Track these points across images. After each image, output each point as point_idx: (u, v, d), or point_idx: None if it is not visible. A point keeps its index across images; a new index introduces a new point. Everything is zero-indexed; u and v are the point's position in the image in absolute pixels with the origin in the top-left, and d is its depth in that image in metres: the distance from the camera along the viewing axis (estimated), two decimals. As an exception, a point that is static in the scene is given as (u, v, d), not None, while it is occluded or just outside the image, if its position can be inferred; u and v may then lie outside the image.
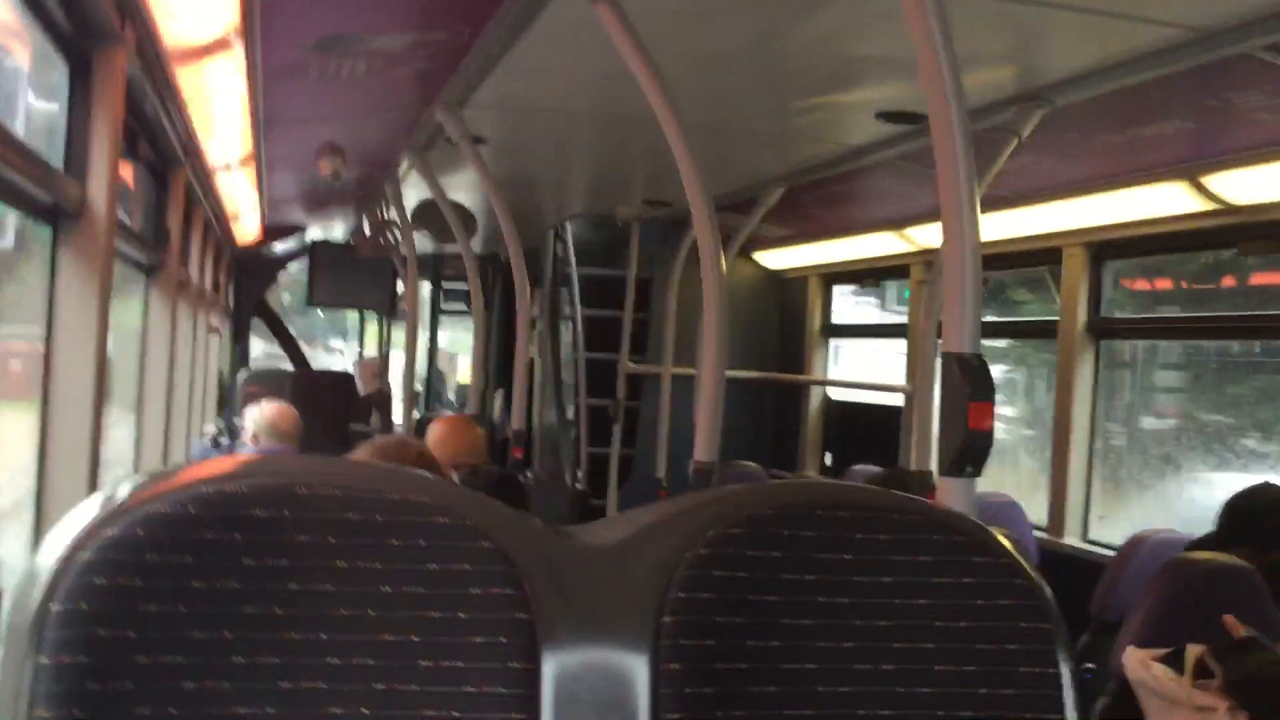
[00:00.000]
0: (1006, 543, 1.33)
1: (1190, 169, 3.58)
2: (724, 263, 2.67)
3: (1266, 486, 3.02)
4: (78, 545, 1.10)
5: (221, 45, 2.54)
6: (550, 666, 1.18)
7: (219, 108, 3.24)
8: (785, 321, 7.02)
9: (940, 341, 3.83)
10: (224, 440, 7.09)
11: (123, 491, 1.17)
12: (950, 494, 1.65)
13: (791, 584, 1.25)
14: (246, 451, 4.18)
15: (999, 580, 1.29)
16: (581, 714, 1.18)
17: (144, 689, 1.10)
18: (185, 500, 1.13)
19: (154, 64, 2.64)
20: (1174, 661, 2.32)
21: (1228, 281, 4.37)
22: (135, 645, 1.10)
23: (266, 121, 3.69)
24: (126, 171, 3.10)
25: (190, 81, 2.86)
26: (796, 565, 1.26)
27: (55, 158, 2.20)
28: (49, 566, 1.10)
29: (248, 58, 2.73)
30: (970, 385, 1.61)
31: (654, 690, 1.20)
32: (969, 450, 1.62)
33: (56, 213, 2.16)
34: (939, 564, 1.28)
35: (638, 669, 1.20)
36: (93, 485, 2.24)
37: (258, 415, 4.23)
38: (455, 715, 1.15)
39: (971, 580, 1.28)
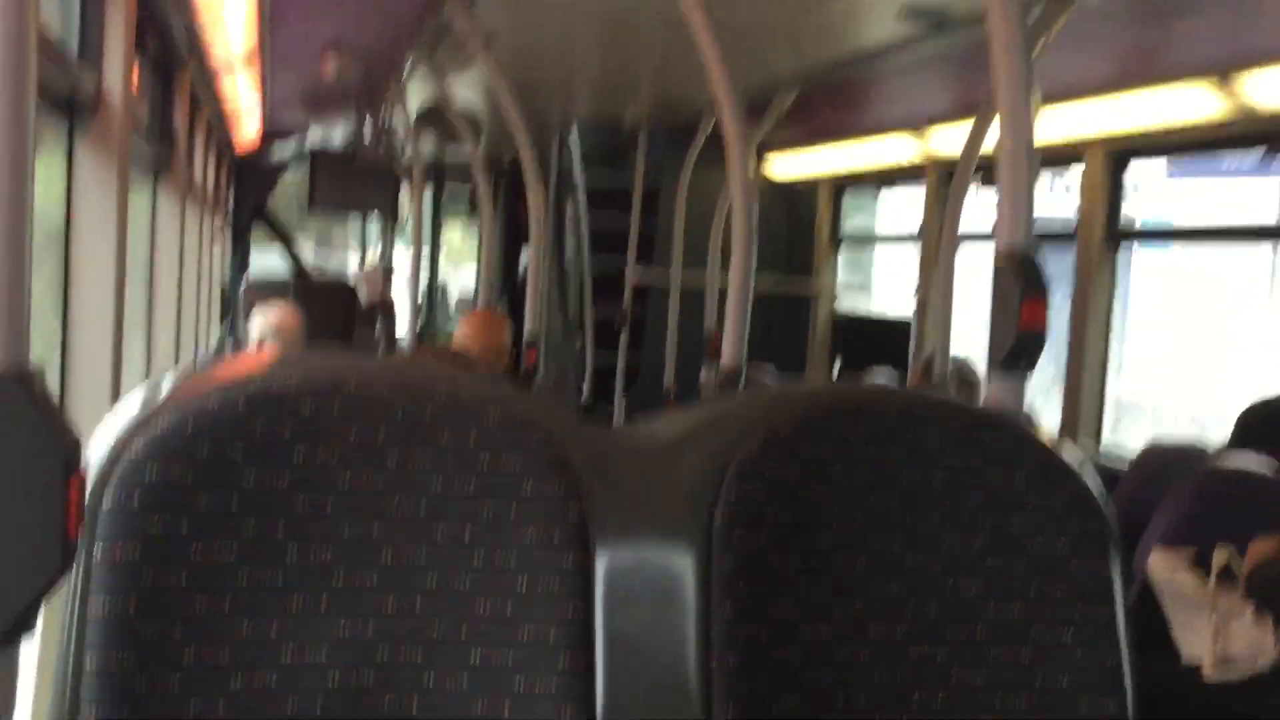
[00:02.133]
0: (1056, 443, 1.32)
1: (1218, 68, 3.50)
2: (751, 167, 2.63)
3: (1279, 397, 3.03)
4: (127, 438, 1.08)
5: (231, -68, 2.46)
6: (603, 561, 1.17)
7: (225, 1, 3.15)
8: (792, 229, 6.95)
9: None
10: (228, 349, 7.07)
11: (168, 385, 1.15)
12: (1000, 393, 1.64)
13: (842, 483, 1.24)
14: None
15: (1050, 480, 1.28)
16: (634, 607, 1.18)
17: (197, 582, 1.08)
18: (234, 395, 1.11)
19: (163, -48, 2.55)
20: (1198, 564, 2.34)
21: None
22: (187, 539, 1.09)
23: (272, 16, 3.59)
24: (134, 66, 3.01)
25: (198, -29, 2.77)
26: (847, 464, 1.24)
27: (68, 48, 2.14)
28: (98, 461, 1.08)
29: (257, -54, 2.64)
30: (1024, 282, 1.59)
31: (704, 585, 1.19)
32: (1021, 347, 1.60)
33: (73, 106, 2.11)
34: (989, 463, 1.27)
35: (689, 564, 1.20)
36: (116, 383, 2.22)
37: (263, 320, 4.18)
38: (508, 610, 1.14)
39: (1022, 479, 1.27)
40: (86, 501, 1.05)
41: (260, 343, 4.17)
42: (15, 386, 0.88)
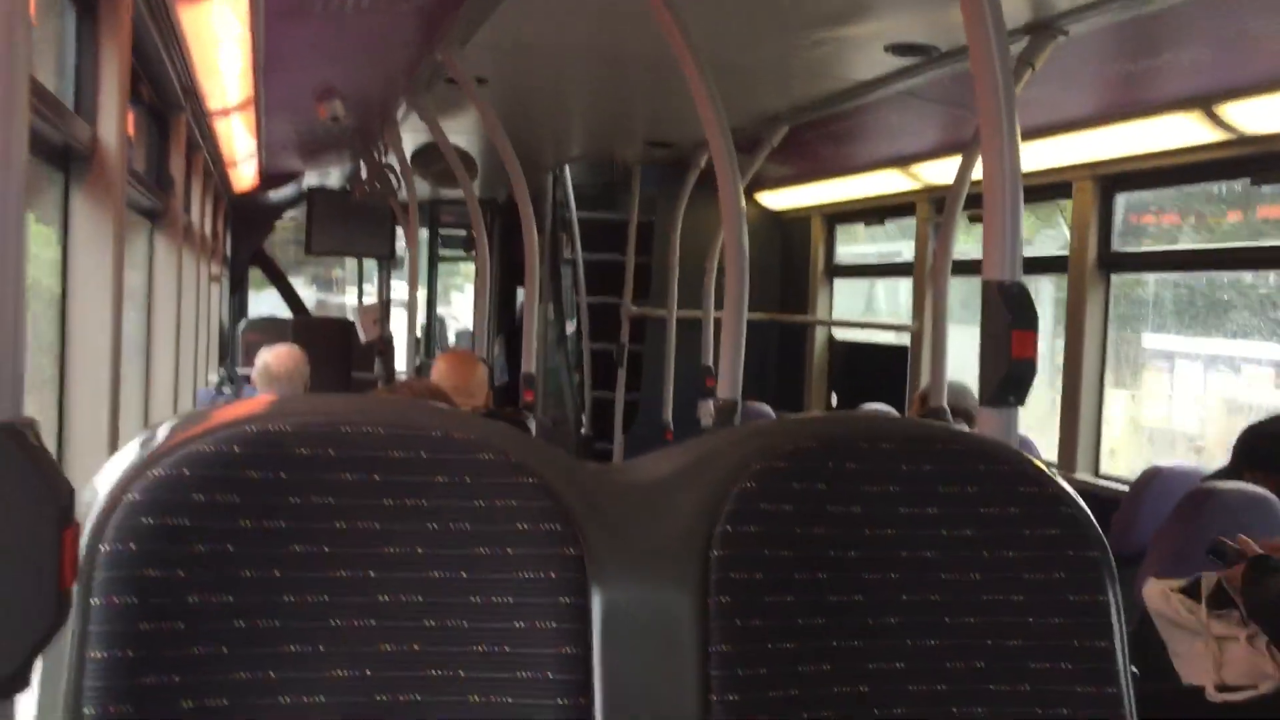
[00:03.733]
0: (1051, 472, 1.33)
1: (1204, 99, 3.54)
2: (742, 202, 2.66)
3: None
4: (124, 486, 1.09)
5: (225, -17, 2.50)
6: (599, 601, 1.17)
7: (220, 50, 3.19)
8: (787, 262, 6.99)
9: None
10: (227, 389, 7.08)
11: (164, 431, 1.16)
12: (993, 424, 1.65)
13: (838, 516, 1.25)
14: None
15: (1045, 509, 1.28)
16: (631, 647, 1.18)
17: (194, 628, 1.09)
18: (230, 440, 1.12)
19: (157, 4, 2.59)
20: (1192, 591, 2.34)
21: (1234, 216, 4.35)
22: (185, 585, 1.09)
23: (267, 64, 3.63)
24: (130, 115, 3.05)
25: (193, 22, 2.81)
26: (842, 497, 1.25)
27: (64, 100, 2.16)
28: (96, 508, 1.08)
29: (251, -5, 2.68)
30: (1013, 313, 1.60)
31: (702, 623, 1.19)
32: (1011, 379, 1.61)
33: (68, 155, 2.13)
34: (984, 494, 1.27)
35: (686, 602, 1.20)
36: (114, 430, 2.23)
37: (266, 360, 4.19)
38: (506, 650, 1.15)
39: (1017, 510, 1.28)
40: (84, 550, 1.06)
41: (263, 383, 4.17)
42: (8, 438, 0.88)
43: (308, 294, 13.36)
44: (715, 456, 1.31)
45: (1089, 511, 1.31)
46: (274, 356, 4.18)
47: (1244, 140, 3.62)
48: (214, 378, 7.43)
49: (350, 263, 11.41)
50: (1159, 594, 2.39)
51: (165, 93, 3.60)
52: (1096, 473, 4.30)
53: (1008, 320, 1.60)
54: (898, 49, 3.51)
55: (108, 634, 1.06)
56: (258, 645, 1.10)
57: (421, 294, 8.18)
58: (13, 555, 0.89)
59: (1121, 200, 4.31)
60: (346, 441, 1.14)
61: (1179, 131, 3.75)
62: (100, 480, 1.12)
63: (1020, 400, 1.64)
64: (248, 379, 7.65)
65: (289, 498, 1.12)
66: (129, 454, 1.14)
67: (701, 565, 1.20)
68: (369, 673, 1.13)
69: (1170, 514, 2.77)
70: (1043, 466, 1.33)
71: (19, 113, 0.88)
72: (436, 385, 3.37)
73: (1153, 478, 3.37)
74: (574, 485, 1.21)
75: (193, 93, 3.80)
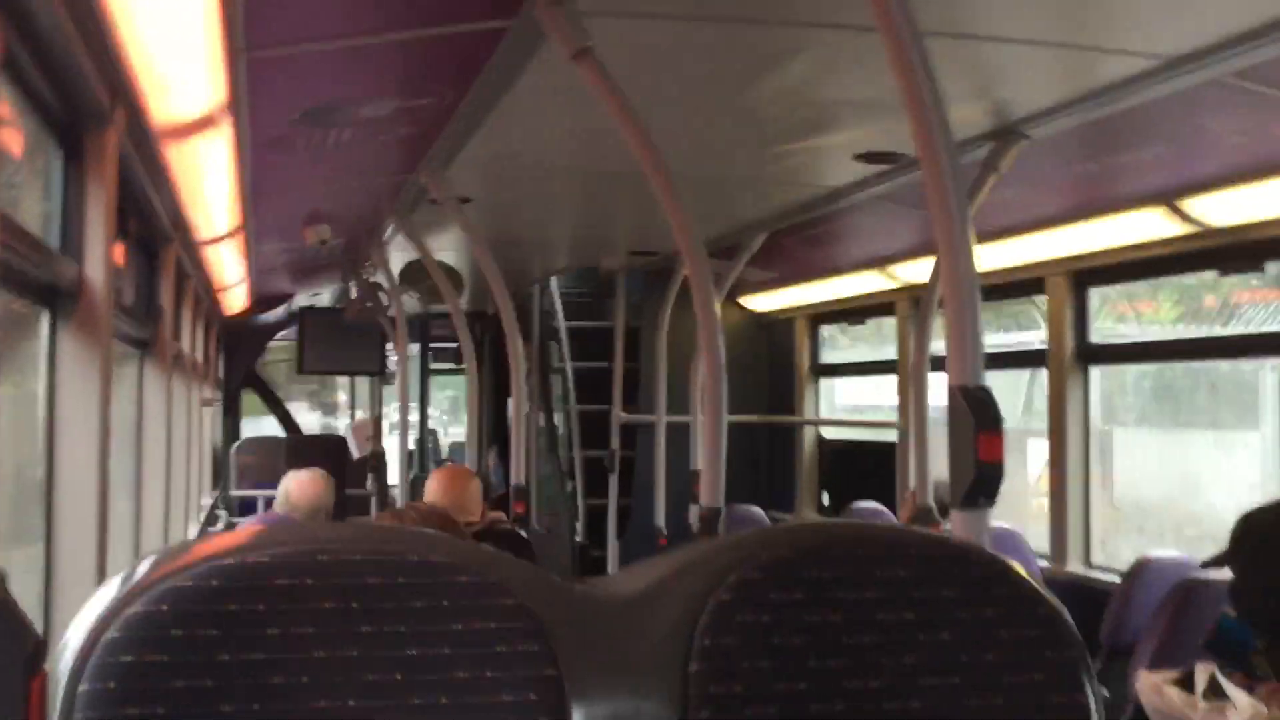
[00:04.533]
0: (1025, 573, 1.35)
1: (1167, 194, 3.63)
2: (717, 310, 2.70)
3: (1276, 504, 3.04)
4: (103, 624, 1.10)
5: (209, 121, 2.57)
6: (580, 718, 1.18)
7: (207, 183, 3.27)
8: (774, 363, 7.05)
9: (932, 376, 3.89)
10: (220, 513, 7.04)
11: (143, 568, 1.17)
12: (964, 527, 1.66)
13: (816, 625, 1.26)
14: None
15: (1021, 611, 1.30)
16: None
17: None
18: (207, 573, 1.14)
19: (143, 143, 2.67)
20: (1187, 683, 2.32)
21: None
22: None
23: (254, 194, 3.71)
24: (118, 249, 3.12)
25: (179, 158, 2.89)
26: (819, 606, 1.26)
27: (50, 239, 2.21)
28: (75, 647, 1.10)
29: (235, 132, 2.75)
30: (977, 417, 1.63)
31: None
32: (980, 482, 1.63)
33: (54, 294, 2.18)
34: (960, 598, 1.29)
35: (668, 717, 1.20)
36: (102, 565, 2.23)
37: (281, 486, 4.18)
38: None
39: (994, 612, 1.29)
40: (63, 691, 1.07)
41: (284, 511, 4.14)
42: None
43: (311, 419, 13.38)
44: (692, 569, 1.33)
45: (1064, 611, 1.33)
46: (296, 484, 4.15)
47: (1210, 233, 3.70)
48: (207, 501, 7.40)
49: (347, 384, 11.46)
50: (1151, 687, 2.37)
51: (153, 226, 3.66)
52: (1088, 564, 4.29)
53: (973, 424, 1.63)
54: (867, 157, 3.61)
55: None
56: None
57: (415, 408, 8.20)
58: None
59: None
60: (324, 570, 1.16)
61: (1146, 226, 3.84)
62: (81, 619, 1.13)
63: (990, 501, 1.66)
64: (241, 502, 7.63)
65: (268, 629, 1.14)
66: (110, 591, 1.16)
67: (681, 679, 1.21)
68: None
69: (1160, 604, 2.77)
70: (1017, 567, 1.35)
71: None
72: (439, 508, 3.36)
73: (1143, 568, 3.37)
74: (553, 603, 1.22)
75: (181, 224, 3.87)
